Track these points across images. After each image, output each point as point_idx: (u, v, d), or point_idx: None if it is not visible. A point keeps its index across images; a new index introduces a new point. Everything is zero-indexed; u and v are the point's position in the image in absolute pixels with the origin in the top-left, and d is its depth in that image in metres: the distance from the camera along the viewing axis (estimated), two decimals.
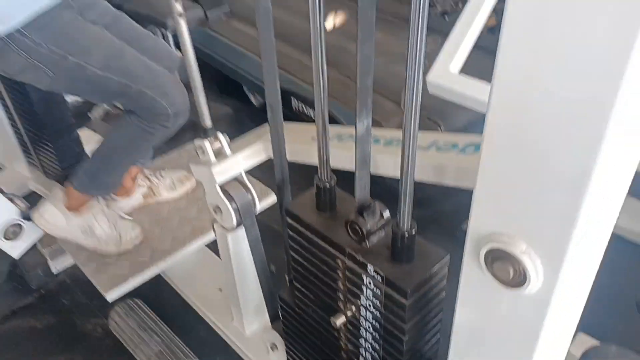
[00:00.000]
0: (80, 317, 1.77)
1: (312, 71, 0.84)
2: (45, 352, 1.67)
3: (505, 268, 0.62)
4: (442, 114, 1.98)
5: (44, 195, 2.00)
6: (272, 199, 1.72)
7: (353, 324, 0.96)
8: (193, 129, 2.49)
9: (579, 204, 0.53)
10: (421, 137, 1.00)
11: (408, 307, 0.82)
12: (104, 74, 1.31)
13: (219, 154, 1.22)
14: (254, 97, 2.69)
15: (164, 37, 2.13)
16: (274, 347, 1.36)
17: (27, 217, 1.46)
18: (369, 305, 0.89)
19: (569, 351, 0.82)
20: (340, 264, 0.91)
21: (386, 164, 0.99)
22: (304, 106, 2.30)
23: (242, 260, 1.38)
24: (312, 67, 0.84)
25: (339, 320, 0.95)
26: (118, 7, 1.56)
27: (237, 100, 2.74)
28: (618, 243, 0.83)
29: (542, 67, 0.49)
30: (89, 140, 1.96)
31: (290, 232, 1.00)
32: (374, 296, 0.87)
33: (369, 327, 0.93)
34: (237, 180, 1.26)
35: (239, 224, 1.29)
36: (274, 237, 1.41)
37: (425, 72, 1.60)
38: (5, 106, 1.88)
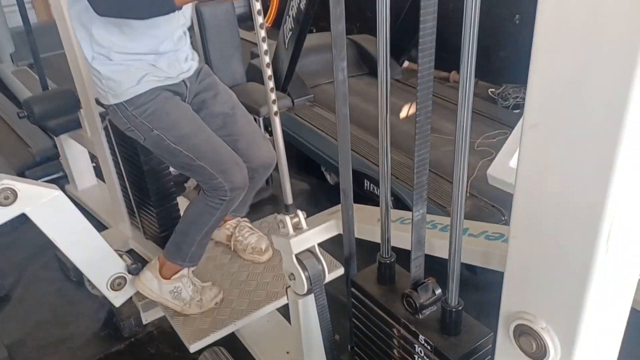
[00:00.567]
0: None
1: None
2: None
3: (530, 342, 0.74)
4: (505, 203, 2.09)
5: (140, 253, 2.28)
6: (339, 271, 1.87)
7: None
8: (273, 202, 2.75)
9: (585, 292, 0.66)
10: (474, 226, 1.15)
11: None
12: (176, 147, 1.62)
13: (297, 228, 1.41)
14: (330, 176, 2.91)
15: (256, 121, 2.43)
16: None
17: (130, 272, 1.71)
18: None
19: None
20: (396, 332, 1.05)
21: (441, 247, 1.13)
22: (374, 187, 2.48)
23: (310, 325, 1.52)
24: (378, 153, 1.03)
25: None
26: None
27: (315, 178, 2.97)
28: None
29: (553, 179, 0.65)
30: (184, 207, 2.23)
31: (354, 301, 1.16)
32: None
33: None
34: (310, 251, 1.43)
35: (309, 291, 1.45)
36: (339, 307, 1.55)
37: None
38: (120, 176, 2.21)
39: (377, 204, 1.75)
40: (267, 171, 1.88)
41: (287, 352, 1.79)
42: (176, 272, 1.80)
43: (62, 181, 2.87)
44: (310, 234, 1.40)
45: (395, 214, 1.24)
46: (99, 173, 2.81)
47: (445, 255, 1.11)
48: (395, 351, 1.07)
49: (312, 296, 1.48)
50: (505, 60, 3.16)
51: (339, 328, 1.53)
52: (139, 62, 1.60)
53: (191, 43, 1.78)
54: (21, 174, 2.85)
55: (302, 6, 2.63)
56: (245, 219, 2.10)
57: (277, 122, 1.32)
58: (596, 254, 0.64)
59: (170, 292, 1.78)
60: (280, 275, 1.88)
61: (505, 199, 2.03)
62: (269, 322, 1.90)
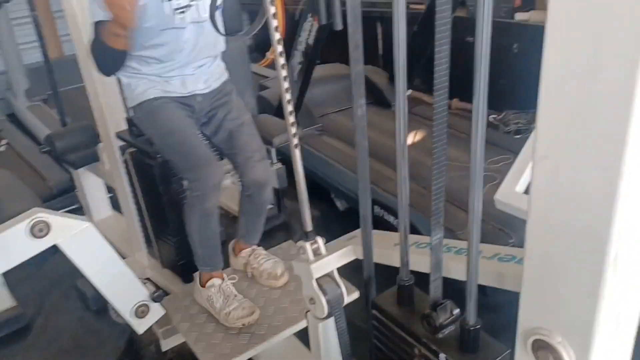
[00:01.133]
0: None
1: (395, 184, 1.10)
2: None
3: (547, 356, 0.80)
4: (513, 227, 2.16)
5: (157, 282, 2.33)
6: (355, 294, 1.93)
7: None
8: (285, 229, 2.82)
9: (596, 308, 0.73)
10: (487, 249, 1.22)
11: None
12: (160, 144, 1.89)
13: (316, 253, 1.48)
14: (340, 203, 2.98)
15: (269, 152, 2.52)
16: None
17: (154, 299, 1.77)
18: None
19: None
20: (417, 352, 1.11)
21: (457, 269, 1.20)
22: (384, 212, 2.55)
23: (330, 348, 1.58)
24: (396, 181, 1.10)
25: None
26: None
27: (324, 204, 3.05)
28: None
29: (563, 206, 0.72)
30: None
31: (375, 323, 1.22)
32: None
33: None
34: (329, 276, 1.50)
35: (329, 315, 1.51)
36: (356, 332, 1.61)
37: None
38: (139, 207, 2.28)
39: (385, 228, 1.82)
40: (262, 190, 1.98)
41: None
42: (208, 280, 1.95)
43: (78, 212, 2.94)
44: (329, 259, 1.47)
45: (411, 238, 1.31)
46: (114, 204, 2.90)
47: (460, 277, 1.18)
48: None
49: (331, 320, 1.54)
50: (506, 87, 3.27)
51: (357, 353, 1.59)
52: (150, 77, 1.84)
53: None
54: None
55: (311, 42, 2.75)
56: (260, 247, 2.17)
57: (297, 153, 1.40)
58: (605, 273, 0.71)
59: (206, 299, 1.93)
60: (298, 300, 1.94)
61: (511, 221, 2.10)
62: (287, 347, 1.95)
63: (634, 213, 0.68)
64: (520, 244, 1.17)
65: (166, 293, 2.03)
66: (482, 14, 0.79)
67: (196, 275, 2.02)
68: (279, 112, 2.84)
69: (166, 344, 2.00)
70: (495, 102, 3.44)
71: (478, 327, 1.01)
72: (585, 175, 0.68)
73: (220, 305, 1.89)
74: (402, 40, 1.00)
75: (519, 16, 3.41)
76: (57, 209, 2.94)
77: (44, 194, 3.06)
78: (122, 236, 2.63)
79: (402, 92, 1.05)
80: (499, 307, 2.18)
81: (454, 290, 1.24)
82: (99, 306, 2.30)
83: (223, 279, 1.97)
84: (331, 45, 2.86)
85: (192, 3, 1.75)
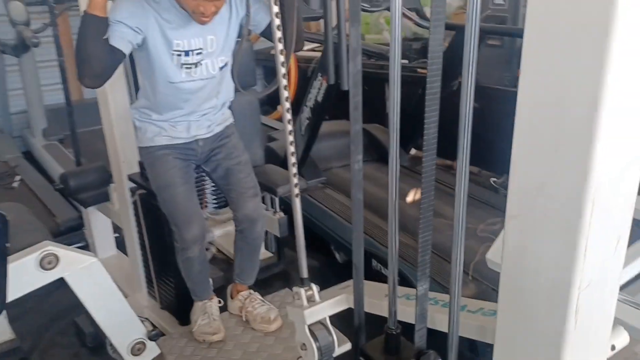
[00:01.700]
0: None
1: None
2: None
3: None
4: None
5: (154, 322, 2.37)
6: (347, 346, 1.95)
7: None
8: (283, 278, 2.87)
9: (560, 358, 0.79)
10: (472, 304, 1.28)
11: None
12: (154, 190, 2.03)
13: (310, 300, 1.53)
14: (339, 255, 3.04)
15: (272, 201, 2.60)
16: None
17: (150, 338, 1.81)
18: None
19: None
20: None
21: (442, 321, 1.25)
22: (381, 267, 2.60)
23: None
24: (387, 235, 1.18)
25: None
26: None
27: (324, 256, 3.10)
28: None
29: (530, 260, 0.79)
30: None
31: None
32: None
33: None
34: (322, 323, 1.55)
35: None
36: None
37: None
38: (143, 247, 2.36)
39: (384, 282, 1.87)
40: (253, 226, 2.10)
41: None
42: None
43: (83, 250, 3.01)
44: (322, 306, 1.52)
45: (401, 290, 1.37)
46: (118, 244, 2.97)
47: (445, 329, 1.24)
48: None
49: None
50: (506, 152, 3.38)
51: None
52: (159, 122, 1.97)
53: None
54: None
55: (319, 99, 2.89)
56: (257, 293, 2.23)
57: (297, 202, 1.49)
58: (568, 326, 0.77)
59: (192, 313, 2.18)
60: (290, 348, 1.97)
61: None
62: None
63: (593, 271, 0.75)
64: None
65: (162, 334, 2.07)
66: (467, 85, 0.89)
67: None
68: (284, 163, 2.95)
69: None
70: (496, 166, 3.57)
71: None
72: (548, 233, 0.76)
73: (195, 318, 2.12)
74: (397, 101, 1.10)
75: None
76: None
77: (52, 230, 3.14)
78: (124, 275, 2.68)
79: (395, 149, 1.14)
80: None
81: (442, 343, 1.30)
82: (95, 344, 2.33)
83: (211, 300, 2.17)
84: (338, 104, 3.01)
85: (202, 62, 1.86)
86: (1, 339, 2.31)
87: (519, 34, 3.30)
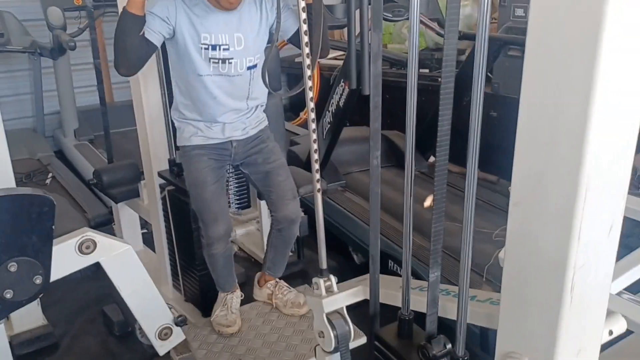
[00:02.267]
0: None
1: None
2: None
3: None
4: None
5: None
6: (362, 339, 2.04)
7: None
8: (302, 276, 2.96)
9: (557, 336, 0.87)
10: (480, 294, 1.35)
11: None
12: (187, 188, 2.14)
13: (328, 290, 1.62)
14: (356, 256, 3.12)
15: None
16: None
17: (177, 324, 1.92)
18: None
19: None
20: None
21: (451, 309, 1.33)
22: (397, 267, 2.68)
23: None
24: (402, 232, 1.27)
25: None
26: None
27: (342, 257, 3.18)
28: None
29: (531, 243, 0.88)
30: None
31: (377, 353, 1.35)
32: None
33: None
34: (339, 313, 1.63)
35: (336, 350, 1.63)
36: None
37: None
38: (170, 241, 2.48)
39: None
40: (291, 226, 2.20)
41: None
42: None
43: None
44: (340, 296, 1.61)
45: (414, 283, 1.45)
46: (144, 240, 3.10)
47: (455, 317, 1.32)
48: None
49: (338, 355, 1.66)
50: None
51: None
52: (195, 122, 2.08)
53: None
54: None
55: (341, 104, 2.99)
56: (282, 281, 2.39)
57: (319, 197, 1.59)
58: (564, 302, 0.85)
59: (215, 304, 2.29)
60: (308, 339, 2.06)
61: None
62: None
63: (587, 252, 0.83)
64: None
65: (187, 320, 2.17)
66: (476, 94, 0.98)
67: None
68: (306, 165, 3.06)
69: None
70: (511, 173, 3.63)
71: (466, 358, 1.14)
72: (546, 217, 0.84)
73: (215, 308, 2.24)
74: (413, 108, 1.19)
75: None
76: None
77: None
78: (150, 269, 2.76)
79: (411, 153, 1.22)
80: None
81: (452, 331, 1.37)
82: (122, 332, 2.45)
83: (234, 293, 2.27)
84: (358, 110, 3.11)
85: (230, 60, 1.96)
86: (35, 325, 2.45)
87: None
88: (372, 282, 1.46)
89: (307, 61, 1.46)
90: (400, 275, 2.74)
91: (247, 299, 2.39)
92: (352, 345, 1.69)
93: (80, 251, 1.66)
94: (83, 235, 1.66)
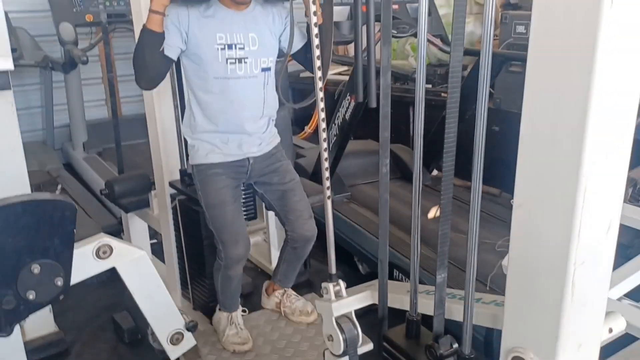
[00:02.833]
0: None
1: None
2: None
3: None
4: None
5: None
6: (369, 346, 2.08)
7: None
8: (309, 286, 3.00)
9: (559, 331, 0.92)
10: (486, 297, 1.41)
11: None
12: (203, 208, 2.12)
13: (337, 295, 1.67)
14: (362, 266, 3.17)
15: None
16: None
17: (188, 329, 1.97)
18: None
19: None
20: None
21: (457, 311, 1.38)
22: (403, 277, 2.72)
23: None
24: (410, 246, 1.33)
25: None
26: None
27: (347, 267, 3.23)
28: None
29: (533, 242, 0.93)
30: None
31: (385, 354, 1.39)
32: None
33: None
34: (348, 317, 1.68)
35: (344, 353, 1.68)
36: None
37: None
38: (180, 251, 2.53)
39: None
40: (307, 244, 2.24)
41: None
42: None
43: None
44: (348, 300, 1.66)
45: (421, 287, 1.51)
46: (153, 251, 3.15)
47: (461, 318, 1.37)
48: None
49: (346, 359, 1.70)
50: None
51: None
52: (211, 136, 2.06)
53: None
54: None
55: (347, 117, 3.07)
56: (290, 289, 2.44)
57: (329, 204, 1.65)
58: (565, 298, 0.91)
59: (217, 321, 2.31)
60: (315, 346, 2.10)
61: None
62: None
63: (587, 250, 0.89)
64: None
65: (197, 326, 2.21)
66: (481, 105, 1.05)
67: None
68: (312, 177, 3.12)
69: None
70: (513, 186, 3.69)
71: (472, 356, 1.19)
72: (547, 217, 0.90)
73: (222, 328, 2.23)
74: (421, 122, 1.25)
75: None
76: None
77: None
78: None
79: (418, 166, 1.28)
80: None
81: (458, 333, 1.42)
82: (132, 339, 2.50)
83: (238, 310, 2.29)
84: (363, 124, 3.18)
85: (246, 60, 1.98)
86: (47, 331, 2.49)
87: None
88: (381, 285, 1.51)
89: (319, 73, 1.53)
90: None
91: (255, 307, 2.44)
92: (359, 351, 1.73)
93: (97, 256, 1.71)
94: (100, 240, 1.72)
